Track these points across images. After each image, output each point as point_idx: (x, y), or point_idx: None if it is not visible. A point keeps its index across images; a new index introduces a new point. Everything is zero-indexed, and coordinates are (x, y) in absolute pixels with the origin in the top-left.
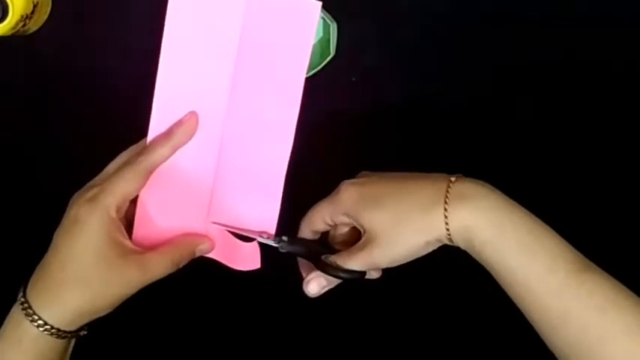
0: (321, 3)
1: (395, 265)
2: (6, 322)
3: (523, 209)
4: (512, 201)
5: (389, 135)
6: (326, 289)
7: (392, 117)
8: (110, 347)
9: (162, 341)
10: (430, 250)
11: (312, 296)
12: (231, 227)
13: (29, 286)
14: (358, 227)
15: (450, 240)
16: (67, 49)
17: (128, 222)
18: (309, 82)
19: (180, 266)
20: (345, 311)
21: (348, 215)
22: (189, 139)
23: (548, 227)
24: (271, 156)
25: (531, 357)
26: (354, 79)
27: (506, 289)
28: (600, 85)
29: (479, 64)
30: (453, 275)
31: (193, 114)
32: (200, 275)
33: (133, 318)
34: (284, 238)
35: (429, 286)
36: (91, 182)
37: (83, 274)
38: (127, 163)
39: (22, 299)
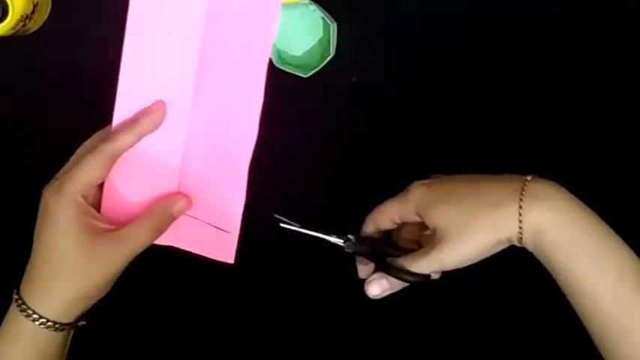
0: None
1: (463, 265)
2: (4, 320)
3: (596, 215)
4: (586, 206)
5: (389, 135)
6: (387, 292)
7: (392, 117)
8: (110, 348)
9: (161, 340)
10: (499, 249)
11: (373, 297)
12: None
13: (22, 283)
14: (429, 226)
15: (521, 240)
16: (67, 49)
17: (99, 205)
18: (309, 82)
19: (163, 231)
20: (345, 312)
21: (418, 214)
22: (156, 128)
23: (618, 236)
24: (237, 144)
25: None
26: (354, 79)
27: (568, 295)
28: (600, 84)
29: (479, 63)
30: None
31: (161, 103)
32: (200, 275)
33: (131, 318)
34: (350, 237)
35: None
36: (59, 172)
37: (65, 263)
38: (90, 151)
39: (16, 296)
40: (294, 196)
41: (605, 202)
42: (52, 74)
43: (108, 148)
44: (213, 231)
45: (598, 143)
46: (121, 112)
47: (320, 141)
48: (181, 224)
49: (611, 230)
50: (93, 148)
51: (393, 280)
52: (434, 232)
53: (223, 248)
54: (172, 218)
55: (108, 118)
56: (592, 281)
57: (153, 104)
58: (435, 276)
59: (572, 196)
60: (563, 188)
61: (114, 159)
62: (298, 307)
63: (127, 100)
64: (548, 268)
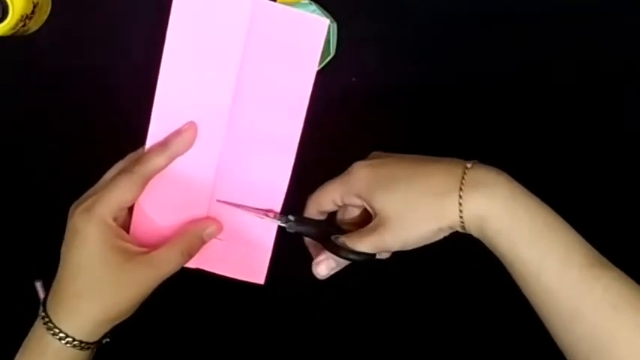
0: (329, 21)
1: (406, 249)
2: (29, 335)
3: (538, 200)
4: (527, 191)
5: (389, 135)
6: (335, 270)
7: (392, 117)
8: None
9: (165, 346)
10: (442, 236)
11: (321, 278)
12: (237, 205)
13: (48, 300)
14: (369, 209)
15: (463, 228)
16: (67, 49)
17: (128, 227)
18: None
19: (193, 255)
20: (345, 313)
21: (359, 197)
22: (187, 150)
23: (563, 220)
24: (271, 173)
25: (534, 351)
26: (354, 79)
27: (517, 280)
28: (599, 82)
29: (479, 63)
30: (457, 264)
31: (192, 124)
32: (203, 283)
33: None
34: (291, 217)
35: (429, 277)
36: (88, 192)
37: (94, 284)
38: (122, 172)
39: (43, 313)
40: (292, 189)
41: (604, 196)
42: (52, 74)
43: (140, 170)
44: (242, 253)
45: (601, 136)
46: (154, 134)
47: (320, 141)
48: (209, 247)
49: (556, 214)
50: (124, 170)
51: (339, 258)
52: (374, 215)
53: (253, 269)
54: (203, 242)
55: (107, 118)
56: (538, 266)
57: (184, 125)
58: (385, 255)
59: (514, 181)
60: (504, 174)
61: (145, 181)
62: (287, 304)
63: (161, 121)
64: (495, 253)
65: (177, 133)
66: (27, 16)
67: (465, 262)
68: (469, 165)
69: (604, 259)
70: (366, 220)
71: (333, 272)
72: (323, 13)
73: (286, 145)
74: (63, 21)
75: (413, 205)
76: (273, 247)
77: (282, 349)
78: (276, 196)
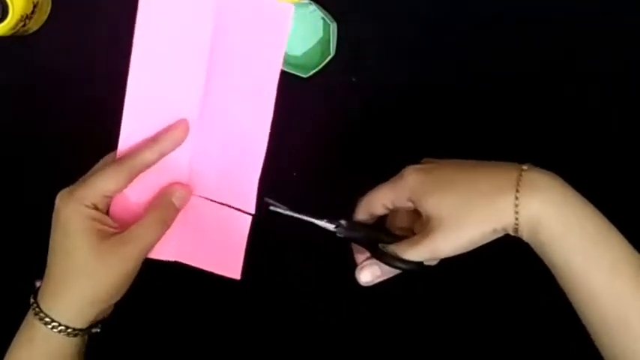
0: (293, 6)
1: (457, 253)
2: (22, 325)
3: (592, 206)
4: (581, 196)
5: (389, 135)
6: (380, 279)
7: (392, 117)
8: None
9: (163, 346)
10: (494, 238)
11: (364, 284)
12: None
13: (40, 288)
14: (422, 213)
15: (516, 230)
16: (67, 49)
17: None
18: (309, 82)
19: (169, 224)
20: (338, 305)
21: (411, 200)
22: (177, 147)
23: (614, 227)
24: (245, 161)
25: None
26: (354, 79)
27: (564, 287)
28: (599, 81)
29: (479, 63)
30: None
31: (183, 121)
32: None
33: (134, 323)
34: (342, 222)
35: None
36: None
37: (77, 266)
38: (112, 162)
39: (32, 300)
40: (292, 189)
41: (604, 197)
42: (51, 74)
43: (128, 163)
44: (220, 247)
45: (597, 136)
46: (127, 129)
47: (320, 141)
48: (188, 240)
49: (608, 221)
50: (114, 161)
51: (385, 267)
52: (427, 220)
53: (230, 264)
54: (175, 209)
55: (107, 118)
56: (588, 273)
57: (175, 122)
58: (430, 262)
59: (569, 186)
60: (559, 178)
61: (133, 174)
62: (291, 300)
63: (134, 116)
64: (543, 259)
65: (167, 129)
66: (27, 16)
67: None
68: (525, 167)
69: None
70: (416, 225)
71: (377, 280)
72: (323, 13)
73: (257, 136)
74: (63, 21)
75: (467, 207)
76: (247, 242)
77: (275, 347)
78: (249, 186)
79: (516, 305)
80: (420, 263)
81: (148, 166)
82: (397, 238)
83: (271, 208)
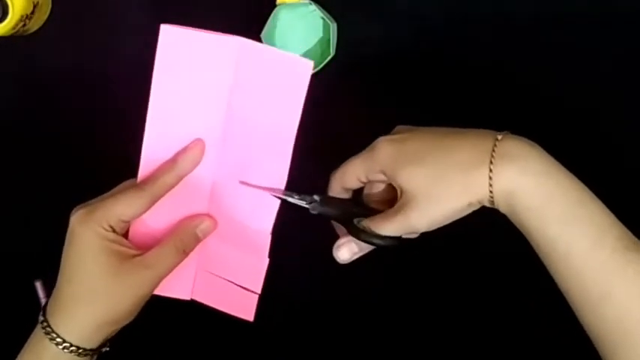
0: (312, 62)
1: (433, 228)
2: (29, 339)
3: (572, 176)
4: (561, 165)
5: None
6: (357, 255)
7: (392, 117)
8: None
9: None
10: (470, 211)
11: (342, 262)
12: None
13: (48, 304)
14: (395, 186)
15: (492, 202)
16: (67, 49)
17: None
18: (310, 82)
19: (188, 252)
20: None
21: (384, 173)
22: (195, 167)
23: (596, 198)
24: (261, 210)
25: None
26: (353, 79)
27: (544, 260)
28: (600, 78)
29: (479, 63)
30: (457, 253)
31: (199, 141)
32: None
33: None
34: (316, 197)
35: (431, 270)
36: (95, 199)
37: (90, 288)
38: (134, 186)
39: (42, 318)
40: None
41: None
42: (51, 74)
43: (149, 189)
44: (236, 289)
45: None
46: (144, 174)
47: (319, 141)
48: (205, 280)
49: (590, 192)
50: (136, 185)
51: (363, 243)
52: (401, 193)
53: (244, 306)
54: (197, 239)
55: (107, 118)
56: (568, 246)
57: (191, 142)
58: (409, 236)
59: (547, 154)
60: (536, 146)
61: (154, 200)
62: (285, 295)
63: (151, 161)
64: (521, 231)
65: (184, 150)
66: (27, 16)
67: (465, 253)
68: (500, 136)
69: (639, 242)
70: (393, 196)
71: (355, 257)
72: (323, 13)
73: (275, 184)
74: (63, 21)
75: (441, 180)
76: (262, 289)
77: (279, 347)
78: (263, 235)
79: (512, 299)
80: (397, 239)
81: (168, 190)
82: (373, 212)
83: (240, 182)
